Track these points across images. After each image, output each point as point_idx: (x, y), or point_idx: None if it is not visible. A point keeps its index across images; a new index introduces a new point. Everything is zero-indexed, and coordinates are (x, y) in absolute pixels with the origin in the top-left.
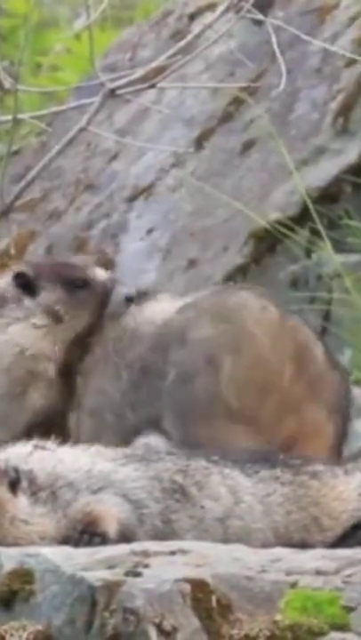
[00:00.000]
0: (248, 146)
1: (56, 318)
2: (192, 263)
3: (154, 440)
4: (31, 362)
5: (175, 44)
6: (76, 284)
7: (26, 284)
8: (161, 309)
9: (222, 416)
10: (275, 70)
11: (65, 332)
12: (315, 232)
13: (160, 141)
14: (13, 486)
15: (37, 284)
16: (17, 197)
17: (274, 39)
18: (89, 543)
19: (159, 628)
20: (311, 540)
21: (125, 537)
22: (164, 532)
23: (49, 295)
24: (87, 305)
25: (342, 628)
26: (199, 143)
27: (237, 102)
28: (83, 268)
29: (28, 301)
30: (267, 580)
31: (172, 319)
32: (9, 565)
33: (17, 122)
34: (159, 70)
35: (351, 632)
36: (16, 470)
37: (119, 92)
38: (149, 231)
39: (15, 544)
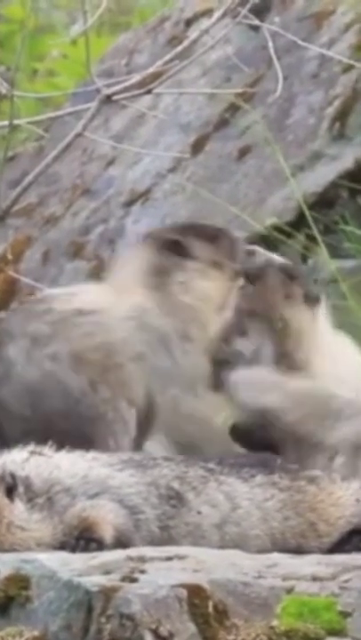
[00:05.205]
0: (244, 151)
1: (220, 268)
2: None
3: None
4: (206, 323)
5: (172, 50)
6: (213, 235)
7: (179, 249)
8: None
9: None
10: (271, 76)
11: (226, 285)
12: (311, 237)
13: (156, 147)
14: (10, 492)
15: (187, 244)
16: (13, 203)
17: (271, 45)
18: (85, 549)
19: (155, 633)
20: (308, 545)
21: (122, 543)
22: (161, 538)
23: (203, 251)
24: (226, 253)
25: (339, 633)
26: (196, 149)
27: (234, 108)
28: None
29: (191, 263)
30: (263, 585)
31: None
32: (5, 571)
33: (13, 127)
34: (155, 76)
35: (348, 638)
36: (12, 476)
37: (115, 97)
38: None
39: (12, 550)
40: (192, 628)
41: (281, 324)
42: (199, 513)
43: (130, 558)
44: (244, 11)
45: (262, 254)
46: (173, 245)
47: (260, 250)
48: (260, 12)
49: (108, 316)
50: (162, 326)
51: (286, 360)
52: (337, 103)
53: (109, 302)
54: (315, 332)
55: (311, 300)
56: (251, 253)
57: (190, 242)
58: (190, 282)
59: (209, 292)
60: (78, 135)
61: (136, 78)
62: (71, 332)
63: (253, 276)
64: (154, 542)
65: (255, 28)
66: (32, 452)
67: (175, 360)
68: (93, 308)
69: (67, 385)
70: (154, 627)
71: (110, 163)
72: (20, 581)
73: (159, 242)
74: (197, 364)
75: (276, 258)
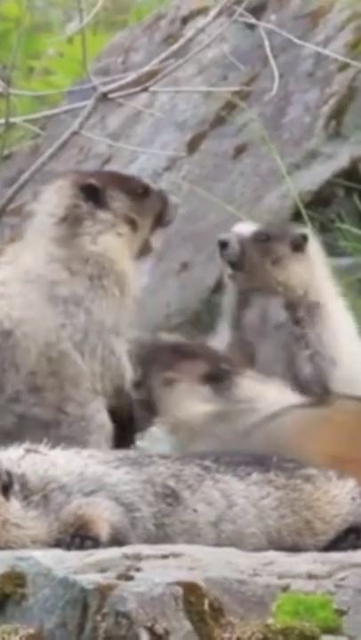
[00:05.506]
0: (240, 150)
1: (133, 226)
2: (185, 266)
3: None
4: (122, 272)
5: (168, 48)
6: (138, 191)
7: (95, 196)
8: None
9: None
10: (267, 74)
11: (138, 241)
12: None
13: (152, 145)
14: (5, 490)
15: (105, 194)
16: (9, 201)
17: (267, 43)
18: (81, 546)
19: (151, 631)
20: (304, 543)
21: (117, 540)
22: (157, 536)
23: (120, 204)
24: (151, 213)
25: (334, 631)
26: (192, 147)
27: (230, 106)
28: (139, 178)
29: (103, 214)
30: (259, 583)
31: None
32: (0, 569)
33: (9, 125)
34: (152, 74)
35: (343, 636)
36: (8, 474)
37: (112, 95)
38: None
39: (7, 547)
40: (188, 625)
41: (281, 287)
42: (195, 511)
43: (125, 556)
44: (240, 9)
45: (234, 242)
46: (91, 191)
47: (232, 238)
48: (256, 10)
49: (28, 321)
50: (72, 292)
51: (300, 308)
52: (333, 102)
53: (24, 307)
54: (315, 270)
55: (299, 244)
56: (224, 245)
57: (109, 191)
58: (98, 234)
59: (116, 245)
60: (74, 133)
61: (132, 76)
62: (12, 356)
63: (237, 265)
64: (150, 540)
65: (251, 27)
66: (28, 450)
67: (94, 316)
68: (13, 323)
69: (40, 418)
70: (149, 625)
71: (106, 161)
72: (16, 579)
73: (77, 184)
74: (118, 314)
75: (246, 228)
